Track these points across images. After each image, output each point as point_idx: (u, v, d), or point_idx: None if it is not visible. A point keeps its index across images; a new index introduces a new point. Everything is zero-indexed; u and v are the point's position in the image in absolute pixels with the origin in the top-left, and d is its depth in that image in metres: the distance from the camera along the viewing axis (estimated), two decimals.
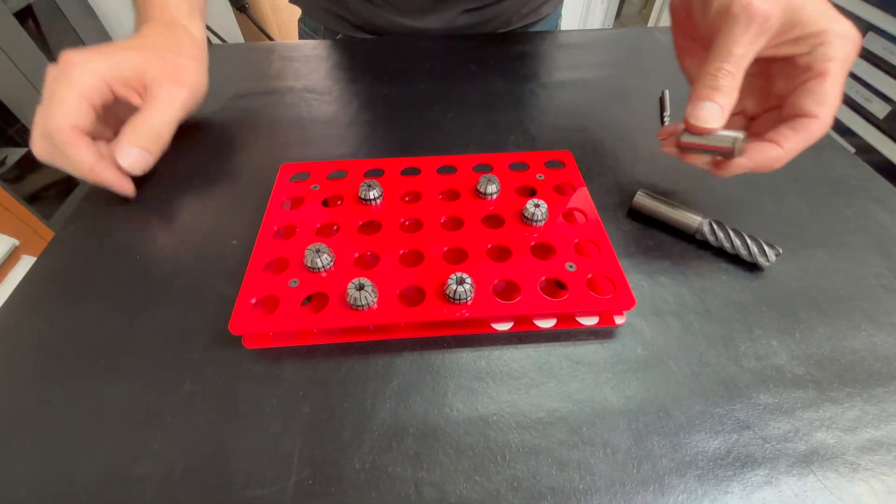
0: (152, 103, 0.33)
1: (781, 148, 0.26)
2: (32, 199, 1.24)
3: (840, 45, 0.25)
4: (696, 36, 0.31)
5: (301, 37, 0.65)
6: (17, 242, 1.19)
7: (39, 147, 0.31)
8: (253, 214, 0.32)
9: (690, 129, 0.26)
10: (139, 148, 0.32)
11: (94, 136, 0.32)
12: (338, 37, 0.59)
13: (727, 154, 0.26)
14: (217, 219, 0.32)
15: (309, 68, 0.48)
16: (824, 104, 0.25)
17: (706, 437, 0.22)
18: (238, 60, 0.50)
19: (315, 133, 0.40)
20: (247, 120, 0.41)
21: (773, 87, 0.28)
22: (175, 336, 0.25)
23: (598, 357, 0.25)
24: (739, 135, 0.26)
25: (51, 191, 1.30)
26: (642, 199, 0.31)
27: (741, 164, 0.27)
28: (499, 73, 0.47)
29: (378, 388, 0.23)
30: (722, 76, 0.25)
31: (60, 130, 0.29)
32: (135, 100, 0.34)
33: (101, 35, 1.46)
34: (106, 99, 0.32)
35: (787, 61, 0.27)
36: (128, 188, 0.32)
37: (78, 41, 1.46)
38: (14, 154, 1.24)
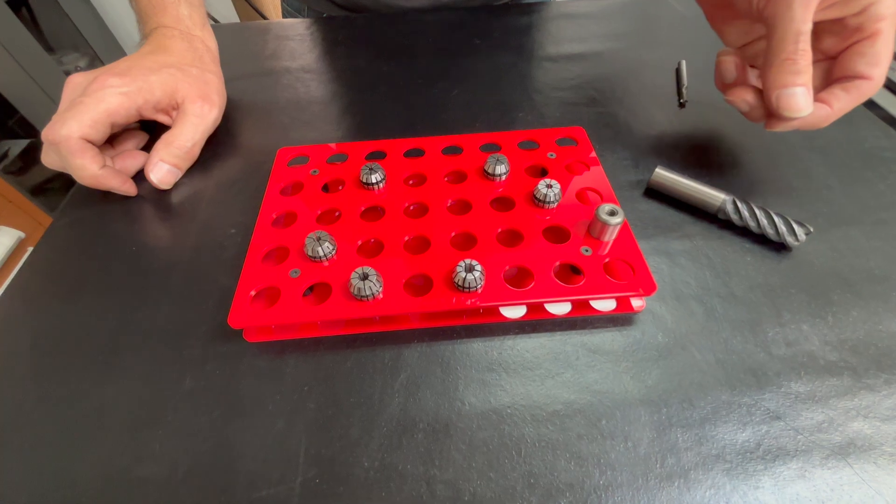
0: (185, 121, 0.33)
1: (831, 108, 0.26)
2: (37, 191, 1.24)
3: (890, 3, 0.24)
4: (727, 3, 0.29)
5: (285, 17, 0.63)
6: (22, 235, 1.19)
7: (47, 155, 0.30)
8: (251, 201, 0.31)
9: (785, 117, 0.26)
10: (170, 165, 0.32)
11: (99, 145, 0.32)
12: (323, 16, 0.56)
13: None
14: (214, 207, 0.31)
15: (305, 47, 0.46)
16: (878, 65, 0.25)
17: (734, 428, 0.20)
18: (232, 41, 0.48)
19: (313, 115, 0.38)
20: (242, 103, 0.40)
21: (821, 44, 0.27)
22: (174, 331, 0.24)
23: (616, 345, 0.23)
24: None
25: (55, 182, 1.30)
26: (661, 177, 0.29)
27: (792, 122, 0.26)
28: (505, 46, 0.44)
29: (386, 382, 0.22)
30: (800, 57, 0.24)
31: (68, 140, 0.28)
32: (163, 119, 0.34)
33: (96, 22, 1.43)
34: (130, 120, 0.32)
35: (837, 21, 0.26)
36: (131, 190, 0.31)
37: (73, 29, 1.43)
38: (17, 146, 1.23)
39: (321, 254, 0.24)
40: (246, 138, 0.37)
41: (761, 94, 0.28)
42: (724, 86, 0.30)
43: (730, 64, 0.30)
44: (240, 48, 0.46)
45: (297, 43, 0.47)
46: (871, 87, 0.25)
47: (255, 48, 0.46)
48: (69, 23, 1.41)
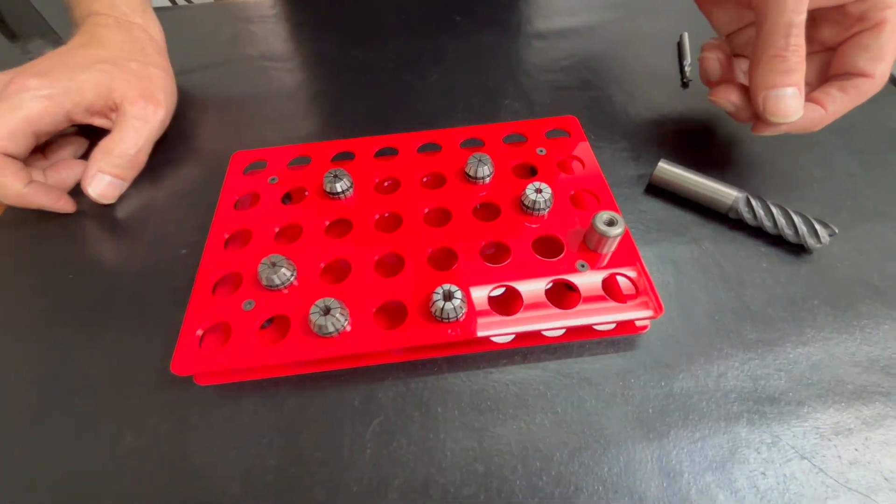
0: (125, 124, 0.28)
1: (825, 111, 0.23)
2: None
3: None
4: None
5: None
6: None
7: None
8: (207, 215, 0.27)
9: (772, 122, 0.23)
10: (112, 176, 0.28)
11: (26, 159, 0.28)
12: None
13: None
14: (164, 223, 0.28)
15: (267, 31, 0.41)
16: (881, 60, 0.22)
17: (753, 471, 0.18)
18: (184, 26, 0.43)
19: (275, 110, 0.34)
20: (197, 99, 0.35)
21: (818, 33, 0.24)
22: (113, 377, 0.21)
23: (617, 374, 0.21)
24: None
25: None
26: (664, 172, 0.26)
27: (779, 127, 0.23)
28: (488, 22, 0.40)
29: (356, 430, 0.20)
30: (791, 53, 0.21)
31: None
32: (101, 123, 0.30)
33: (59, 4, 1.34)
34: (59, 127, 0.28)
35: (837, 8, 0.22)
36: (67, 207, 0.28)
37: (36, 14, 1.34)
38: None
39: (277, 282, 0.21)
40: (201, 140, 0.33)
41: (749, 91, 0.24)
42: (709, 83, 0.27)
43: (713, 61, 0.26)
44: (194, 34, 0.41)
45: (257, 25, 0.42)
46: (873, 86, 0.22)
47: (210, 34, 0.41)
48: (31, 8, 1.32)
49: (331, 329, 0.19)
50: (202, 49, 0.40)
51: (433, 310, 0.20)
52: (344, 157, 0.27)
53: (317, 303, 0.20)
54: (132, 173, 0.29)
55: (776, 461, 0.18)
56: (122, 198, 0.29)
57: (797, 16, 0.20)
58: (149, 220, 0.28)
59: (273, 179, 0.26)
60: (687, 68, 0.34)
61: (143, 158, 0.29)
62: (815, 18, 0.23)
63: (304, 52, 0.39)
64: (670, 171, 0.26)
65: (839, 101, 0.23)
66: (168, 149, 0.32)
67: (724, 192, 0.25)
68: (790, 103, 0.22)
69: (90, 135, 0.32)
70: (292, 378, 0.21)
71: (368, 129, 0.31)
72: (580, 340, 0.22)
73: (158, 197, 0.29)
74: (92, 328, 0.23)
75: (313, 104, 0.35)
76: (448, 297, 0.20)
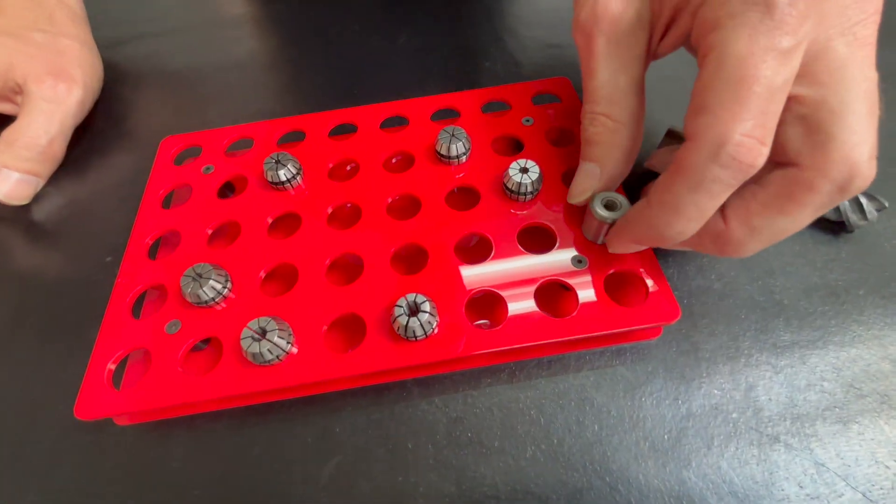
0: (32, 108, 0.24)
1: (726, 225, 0.14)
2: None
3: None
4: None
5: None
6: None
7: None
8: (133, 214, 0.23)
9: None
10: (21, 172, 0.23)
11: None
12: None
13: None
14: (87, 225, 0.23)
15: None
16: (703, 112, 0.12)
17: None
18: None
19: (221, 86, 0.29)
20: (129, 75, 0.31)
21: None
22: (15, 417, 0.18)
23: (625, 392, 0.17)
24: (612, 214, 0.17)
25: None
26: (674, 141, 0.22)
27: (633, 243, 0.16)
28: None
29: (309, 474, 0.16)
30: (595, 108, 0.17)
31: None
32: (4, 109, 0.25)
33: None
34: None
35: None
36: None
37: None
38: None
39: (205, 297, 0.17)
40: (135, 123, 0.28)
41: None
42: None
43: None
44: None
45: None
46: (809, 182, 0.13)
47: None
48: None
49: (269, 357, 0.16)
50: (137, 16, 0.34)
51: (395, 327, 0.16)
52: (293, 139, 0.23)
53: (249, 324, 0.16)
54: (46, 167, 0.24)
55: (823, 497, 0.15)
56: (38, 197, 0.25)
57: (600, 63, 0.16)
58: (70, 222, 0.24)
59: (208, 169, 0.22)
60: None
61: (58, 148, 0.25)
62: None
63: (255, 15, 0.34)
64: (677, 142, 0.22)
65: (755, 215, 0.14)
66: (94, 135, 0.27)
67: None
68: (577, 186, 0.17)
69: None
70: (233, 411, 0.17)
71: (329, 103, 0.26)
72: (579, 351, 0.18)
73: (82, 193, 0.25)
74: None
75: (266, 78, 0.30)
76: (414, 310, 0.16)
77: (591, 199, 0.17)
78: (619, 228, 0.16)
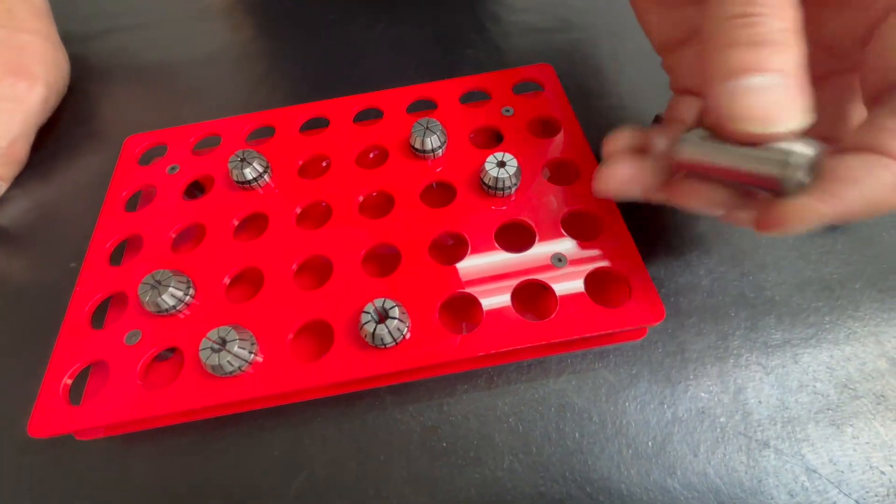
0: None
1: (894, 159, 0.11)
2: None
3: None
4: None
5: None
6: None
7: None
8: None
9: (736, 137, 0.12)
10: None
11: None
12: None
13: (776, 189, 0.12)
14: (52, 230, 0.23)
15: None
16: None
17: None
18: None
19: (195, 80, 0.28)
20: (97, 71, 0.29)
21: (821, 33, 0.14)
22: None
23: (607, 396, 0.16)
24: (807, 149, 0.11)
25: None
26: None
27: (815, 211, 0.11)
28: None
29: (276, 490, 0.15)
30: (768, 12, 0.11)
31: None
32: None
33: None
34: None
35: None
36: None
37: None
38: None
39: (165, 305, 0.16)
40: (103, 121, 0.27)
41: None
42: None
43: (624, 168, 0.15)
44: None
45: None
46: None
47: None
48: None
49: (229, 368, 0.15)
50: (106, 10, 0.33)
51: (363, 334, 0.15)
52: (263, 135, 0.22)
53: (209, 334, 0.15)
54: (9, 170, 0.23)
55: None
56: (1, 200, 0.24)
57: None
58: (35, 227, 0.23)
59: (173, 168, 0.21)
60: None
61: (21, 150, 0.24)
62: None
63: (226, 7, 0.33)
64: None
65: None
66: (60, 135, 0.26)
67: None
68: (769, 98, 0.11)
69: None
70: (197, 423, 0.17)
71: (304, 96, 0.25)
72: (559, 354, 0.17)
73: (48, 196, 0.24)
74: None
75: (236, 72, 0.29)
76: (383, 316, 0.15)
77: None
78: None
